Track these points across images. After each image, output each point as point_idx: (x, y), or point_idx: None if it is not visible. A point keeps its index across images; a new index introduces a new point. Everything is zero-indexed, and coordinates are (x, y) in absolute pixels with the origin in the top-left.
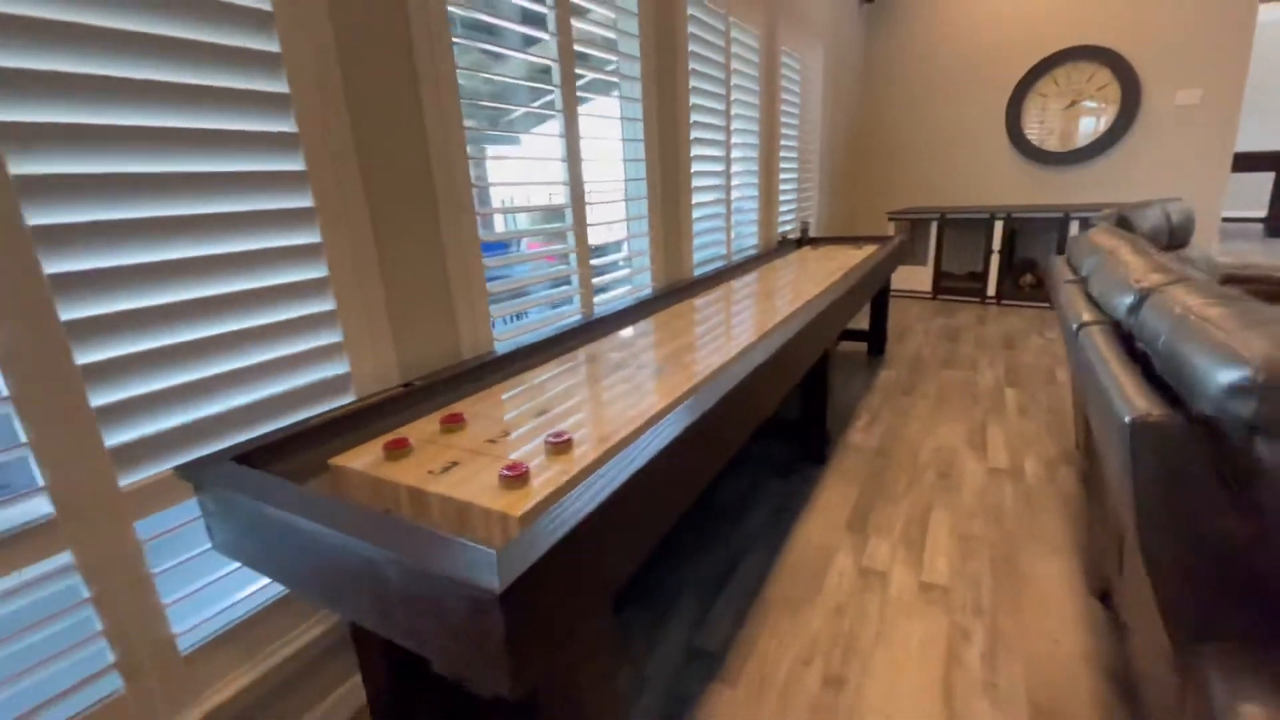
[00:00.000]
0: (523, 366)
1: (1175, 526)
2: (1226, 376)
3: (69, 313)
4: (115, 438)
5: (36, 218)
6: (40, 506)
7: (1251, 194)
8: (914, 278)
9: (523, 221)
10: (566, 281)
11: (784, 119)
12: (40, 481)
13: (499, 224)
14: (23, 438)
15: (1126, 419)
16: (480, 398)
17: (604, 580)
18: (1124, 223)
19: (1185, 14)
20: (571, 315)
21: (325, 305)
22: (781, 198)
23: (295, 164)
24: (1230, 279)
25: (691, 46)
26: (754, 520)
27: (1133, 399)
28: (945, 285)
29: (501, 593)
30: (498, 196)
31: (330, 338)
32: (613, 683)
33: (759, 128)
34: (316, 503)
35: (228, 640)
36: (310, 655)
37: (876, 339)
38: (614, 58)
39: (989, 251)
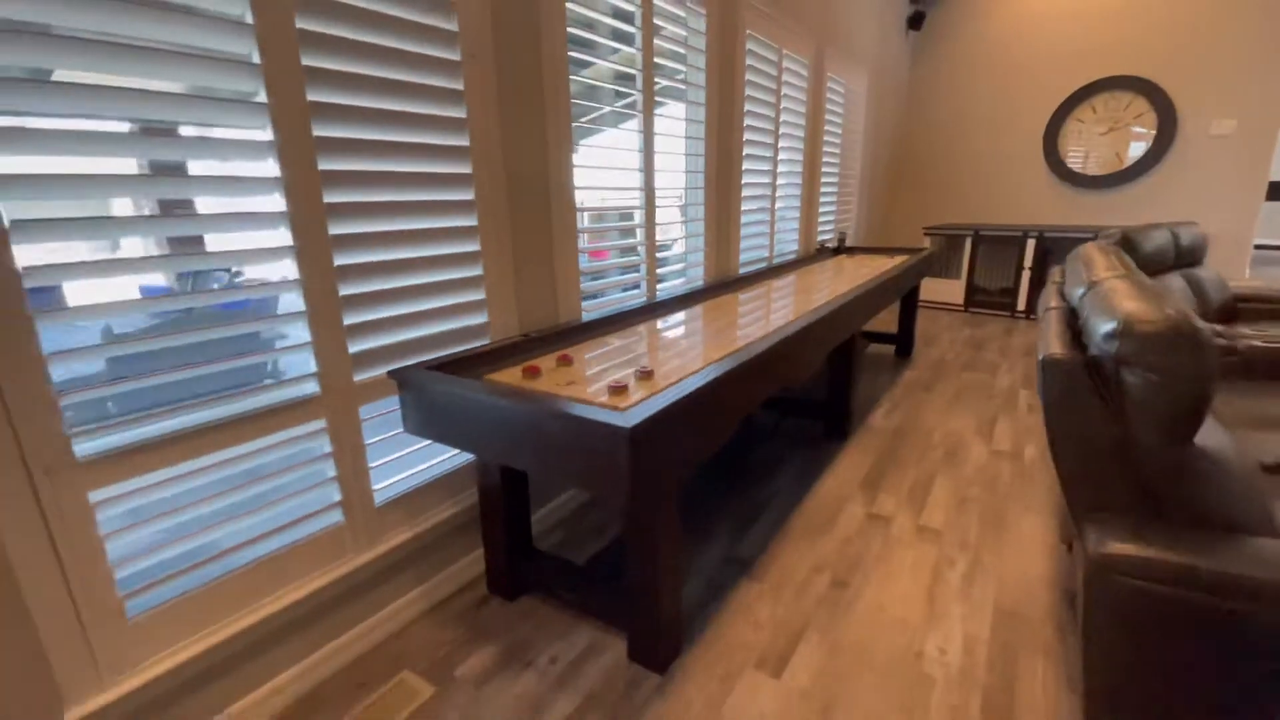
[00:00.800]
0: (605, 330)
1: (1071, 431)
2: (1104, 327)
3: (339, 259)
4: (355, 347)
5: (329, 197)
6: (311, 386)
7: None
8: (947, 291)
9: (602, 218)
10: (635, 270)
11: (827, 137)
12: (314, 369)
13: (583, 220)
14: (309, 339)
15: (1040, 357)
16: (580, 347)
17: (680, 453)
18: (1127, 241)
19: (1224, 46)
20: (638, 297)
21: (476, 271)
22: (821, 208)
23: (464, 168)
24: (1240, 299)
25: (748, 75)
26: (783, 476)
27: (1050, 346)
28: (977, 299)
29: (630, 429)
30: (593, 198)
31: (477, 295)
32: (676, 527)
33: (804, 144)
34: (504, 388)
35: (399, 504)
36: (447, 528)
37: (904, 343)
38: (681, 86)
39: (1020, 268)
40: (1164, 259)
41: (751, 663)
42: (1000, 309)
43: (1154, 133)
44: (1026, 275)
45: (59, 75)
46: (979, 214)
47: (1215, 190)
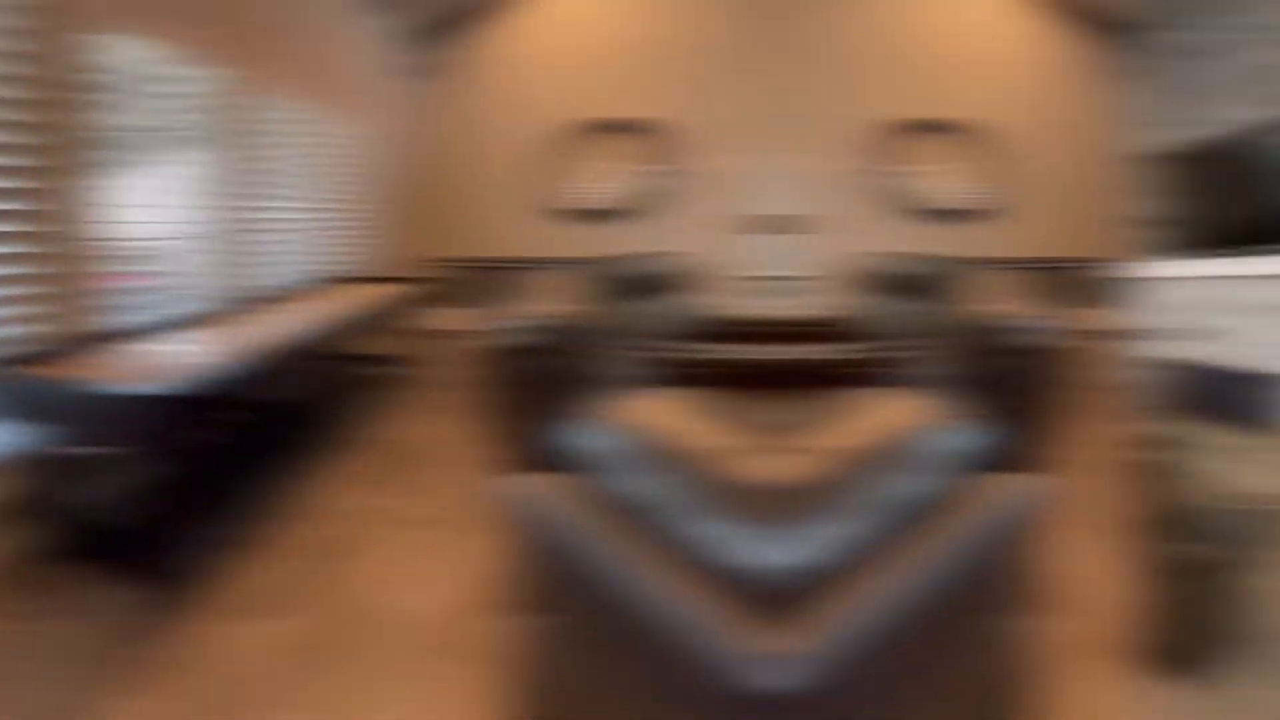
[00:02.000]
0: (127, 340)
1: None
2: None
3: None
4: None
5: None
6: None
7: None
8: (463, 319)
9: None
10: (155, 293)
11: (331, 177)
12: None
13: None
14: None
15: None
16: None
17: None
18: (600, 271)
19: (720, 87)
20: (156, 317)
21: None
22: (330, 241)
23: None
24: (730, 322)
25: (255, 127)
26: (283, 476)
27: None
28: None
29: (125, 396)
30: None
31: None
32: (169, 488)
33: (309, 185)
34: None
35: None
36: None
37: (408, 364)
38: (194, 136)
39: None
40: (642, 286)
41: (247, 611)
42: None
43: (654, 169)
44: None
45: None
46: (490, 247)
47: (713, 223)
